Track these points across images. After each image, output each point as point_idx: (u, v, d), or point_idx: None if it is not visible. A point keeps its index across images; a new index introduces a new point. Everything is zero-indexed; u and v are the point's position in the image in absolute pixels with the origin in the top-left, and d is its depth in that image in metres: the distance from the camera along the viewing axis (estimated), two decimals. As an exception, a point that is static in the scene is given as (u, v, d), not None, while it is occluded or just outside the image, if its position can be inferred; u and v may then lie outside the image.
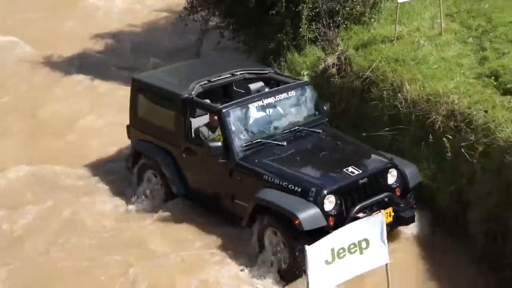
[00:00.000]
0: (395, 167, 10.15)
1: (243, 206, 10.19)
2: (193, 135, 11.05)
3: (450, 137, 10.58)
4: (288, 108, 11.11)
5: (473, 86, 11.35)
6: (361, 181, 9.73)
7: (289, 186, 9.64)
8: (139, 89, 12.00)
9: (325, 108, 11.39)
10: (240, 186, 10.37)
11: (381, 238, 7.21)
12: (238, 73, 11.73)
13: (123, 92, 15.37)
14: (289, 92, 11.07)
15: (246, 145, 10.37)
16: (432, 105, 11.28)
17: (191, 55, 17.04)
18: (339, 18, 14.07)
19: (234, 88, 12.28)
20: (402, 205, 10.02)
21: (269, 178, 9.86)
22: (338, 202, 9.47)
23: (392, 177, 10.04)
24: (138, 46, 18.73)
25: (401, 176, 10.14)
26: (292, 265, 9.37)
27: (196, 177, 11.23)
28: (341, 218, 9.34)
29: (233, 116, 10.41)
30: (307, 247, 6.89)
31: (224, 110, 10.35)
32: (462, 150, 10.17)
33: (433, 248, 10.54)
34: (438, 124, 10.97)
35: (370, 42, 13.53)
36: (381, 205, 9.71)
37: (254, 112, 10.70)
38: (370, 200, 9.68)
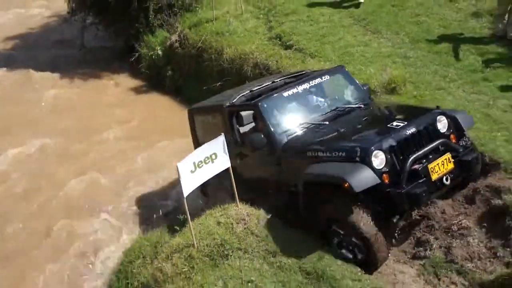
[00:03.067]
0: (443, 113, 7.54)
1: (296, 192, 7.52)
2: (242, 140, 8.58)
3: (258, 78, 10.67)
4: (325, 92, 8.73)
5: (267, 46, 12.12)
6: (408, 132, 7.11)
7: (333, 154, 7.09)
8: (194, 114, 9.73)
9: (364, 88, 8.83)
10: (289, 172, 7.79)
11: (224, 151, 7.36)
12: (278, 79, 9.28)
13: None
14: (323, 77, 8.65)
15: (286, 131, 7.93)
16: (243, 60, 11.92)
17: (77, 44, 17.08)
18: (176, 9, 14.64)
19: None
20: (461, 150, 7.39)
21: (313, 153, 7.33)
22: (389, 157, 6.86)
23: (442, 125, 7.43)
24: (38, 42, 17.92)
25: (453, 122, 7.57)
26: (367, 245, 6.77)
27: (251, 177, 8.56)
28: (395, 174, 6.85)
29: (269, 107, 8.09)
30: (178, 164, 6.87)
31: (259, 104, 8.09)
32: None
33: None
34: (249, 72, 11.70)
35: (198, 23, 13.93)
36: (437, 153, 7.18)
37: (290, 100, 8.33)
38: (424, 150, 7.05)
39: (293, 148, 7.73)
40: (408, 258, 7.33)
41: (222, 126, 8.71)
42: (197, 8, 14.88)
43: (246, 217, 7.42)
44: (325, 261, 6.74)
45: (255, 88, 9.10)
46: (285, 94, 8.33)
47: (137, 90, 14.52)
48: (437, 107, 7.74)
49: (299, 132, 7.95)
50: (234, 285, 6.55)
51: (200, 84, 12.93)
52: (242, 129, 8.81)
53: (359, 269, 6.74)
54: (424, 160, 7.00)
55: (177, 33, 14.27)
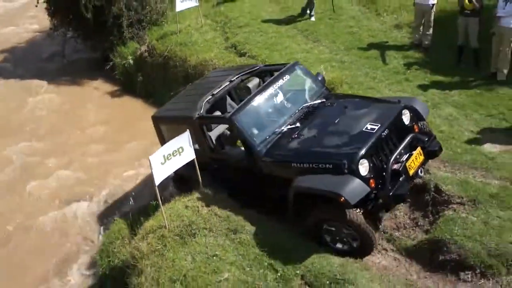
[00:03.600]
0: (406, 107, 7.09)
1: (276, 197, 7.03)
2: (215, 146, 7.84)
3: None
4: (288, 92, 7.86)
5: (224, 54, 11.99)
6: (383, 135, 6.63)
7: (320, 165, 6.47)
8: (159, 123, 8.59)
9: (319, 78, 8.17)
10: (274, 181, 7.05)
11: (189, 145, 7.25)
12: (234, 78, 8.43)
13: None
14: (284, 77, 7.83)
15: (264, 141, 7.14)
16: (204, 66, 11.75)
17: (60, 57, 16.81)
18: (144, 23, 14.47)
19: (238, 91, 9.08)
20: (426, 140, 7.00)
21: (298, 165, 6.67)
22: (371, 163, 6.39)
23: (406, 118, 7.00)
24: (27, 54, 17.39)
25: (414, 113, 7.15)
26: (362, 238, 6.47)
27: (231, 180, 7.77)
28: (379, 176, 6.43)
29: (243, 119, 7.25)
30: (151, 157, 6.84)
31: (233, 117, 7.23)
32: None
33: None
34: None
35: (164, 35, 13.75)
36: (409, 149, 6.81)
37: (260, 107, 7.53)
38: (399, 149, 6.64)
39: (275, 158, 7.02)
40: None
41: (193, 135, 7.57)
42: (163, 22, 14.72)
43: (210, 201, 7.44)
44: (278, 234, 6.82)
45: (216, 92, 8.18)
46: (255, 103, 7.51)
47: (112, 94, 14.29)
48: (399, 101, 7.25)
49: (276, 139, 7.17)
50: (201, 259, 6.60)
51: (168, 87, 12.79)
52: (211, 134, 8.10)
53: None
54: (402, 159, 6.65)
55: (146, 44, 14.11)
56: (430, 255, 6.68)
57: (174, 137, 7.46)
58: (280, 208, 6.95)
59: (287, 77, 7.86)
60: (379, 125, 6.71)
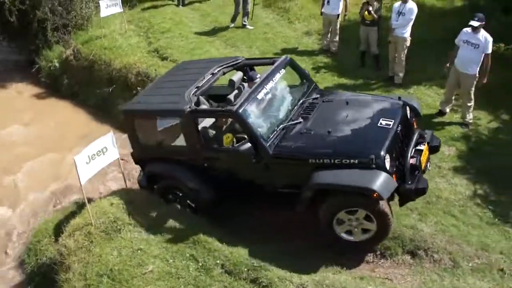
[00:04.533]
0: (407, 104, 6.92)
1: (291, 194, 6.39)
2: (209, 143, 7.00)
3: (140, 84, 10.92)
4: (284, 86, 7.26)
5: (147, 58, 11.89)
6: (398, 130, 6.40)
7: (343, 161, 6.04)
8: (134, 118, 7.44)
9: (307, 73, 7.78)
10: (282, 175, 6.52)
11: (113, 145, 7.21)
12: (217, 70, 7.55)
13: None
14: (280, 71, 7.19)
15: (271, 136, 6.49)
16: (128, 70, 11.61)
17: None
18: (70, 28, 14.01)
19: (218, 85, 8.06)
20: (425, 135, 6.93)
21: (316, 161, 6.18)
22: (391, 158, 6.11)
23: (409, 115, 6.88)
24: None
25: (412, 109, 7.00)
26: (381, 228, 6.21)
27: (226, 179, 6.98)
28: (400, 171, 6.24)
29: (250, 113, 6.53)
30: (75, 157, 6.77)
31: (240, 111, 6.44)
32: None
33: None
34: (132, 80, 11.45)
35: (89, 39, 13.40)
36: (419, 144, 6.65)
37: (264, 101, 6.85)
38: (412, 144, 6.51)
39: (286, 153, 6.41)
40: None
41: (181, 129, 6.98)
42: (88, 27, 14.31)
43: (134, 198, 7.41)
44: (197, 229, 6.87)
45: (200, 84, 7.25)
46: (260, 96, 6.78)
47: (37, 97, 13.68)
48: (399, 98, 7.03)
49: (282, 135, 6.58)
50: (127, 253, 6.59)
51: (93, 89, 12.56)
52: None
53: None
54: (416, 154, 6.46)
55: (71, 48, 13.62)
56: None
57: (151, 132, 7.48)
58: (276, 203, 6.79)
59: (282, 71, 7.28)
60: (393, 120, 6.48)
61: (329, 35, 11.41)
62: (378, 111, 6.73)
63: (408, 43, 9.83)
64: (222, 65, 7.73)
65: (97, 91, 12.18)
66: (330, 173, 6.08)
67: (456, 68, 8.60)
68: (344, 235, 6.44)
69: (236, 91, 7.46)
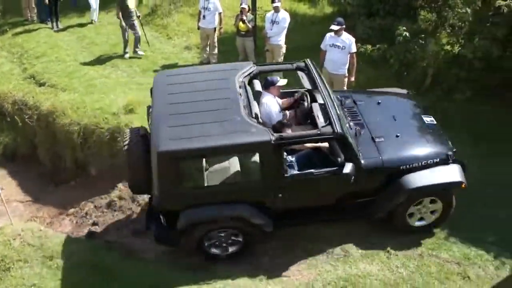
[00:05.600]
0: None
1: (369, 201, 6.59)
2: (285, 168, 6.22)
3: (18, 114, 10.50)
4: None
5: (23, 85, 11.27)
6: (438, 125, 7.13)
7: (428, 162, 6.46)
8: (179, 159, 5.97)
9: None
10: (367, 186, 6.49)
11: None
12: (240, 81, 6.76)
13: None
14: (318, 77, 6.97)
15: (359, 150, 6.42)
16: (3, 99, 10.98)
17: None
18: None
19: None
20: None
21: (407, 166, 6.45)
22: None
23: None
24: None
25: None
26: (444, 212, 6.77)
27: (298, 203, 6.52)
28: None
29: (346, 131, 6.29)
30: None
31: (341, 132, 6.10)
32: (25, 119, 10.25)
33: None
34: (10, 108, 10.79)
35: None
36: None
37: (343, 116, 6.69)
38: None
39: (378, 165, 6.45)
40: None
41: (261, 162, 6.06)
42: None
43: (22, 232, 7.05)
44: (98, 254, 6.77)
45: (246, 104, 6.40)
46: (338, 111, 6.44)
47: None
48: (408, 93, 7.92)
49: (361, 146, 6.48)
50: (20, 291, 6.25)
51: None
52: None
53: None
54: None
55: None
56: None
57: (198, 174, 6.09)
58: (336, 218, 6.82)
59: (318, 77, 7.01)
60: (432, 117, 7.18)
61: (207, 48, 11.57)
62: (412, 108, 7.40)
63: (284, 50, 10.28)
64: (241, 75, 6.92)
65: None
66: (417, 177, 6.46)
67: (327, 70, 9.10)
68: (417, 223, 6.87)
69: (264, 105, 6.84)
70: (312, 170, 6.29)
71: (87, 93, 10.33)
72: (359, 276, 6.43)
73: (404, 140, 6.74)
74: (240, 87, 6.66)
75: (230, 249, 6.66)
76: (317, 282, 6.43)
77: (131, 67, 11.69)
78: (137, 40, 12.09)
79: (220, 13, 11.25)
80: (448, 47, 10.17)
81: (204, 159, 6.17)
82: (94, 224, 8.40)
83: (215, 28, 11.33)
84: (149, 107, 7.09)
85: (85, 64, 12.00)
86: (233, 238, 6.58)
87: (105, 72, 11.58)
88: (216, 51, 11.51)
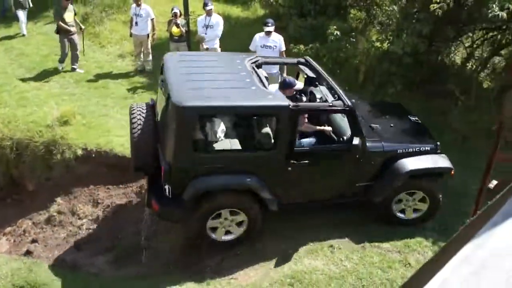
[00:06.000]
0: None
1: (366, 186, 6.77)
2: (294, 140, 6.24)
3: None
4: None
5: None
6: None
7: (421, 148, 6.81)
8: (200, 116, 6.05)
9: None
10: (367, 169, 6.69)
11: None
12: (250, 65, 6.92)
13: None
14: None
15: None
16: None
17: None
18: None
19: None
20: None
21: (403, 150, 6.69)
22: None
23: None
24: None
25: None
26: (433, 201, 6.98)
27: (305, 182, 6.55)
28: None
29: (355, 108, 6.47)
30: None
31: (351, 105, 6.30)
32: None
33: None
34: None
35: None
36: None
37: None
38: None
39: (381, 147, 6.71)
40: (103, 251, 7.46)
41: (276, 129, 6.11)
42: None
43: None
44: (37, 272, 6.53)
45: (259, 74, 6.68)
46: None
47: None
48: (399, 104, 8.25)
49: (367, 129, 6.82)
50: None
51: None
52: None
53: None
54: None
55: None
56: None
57: (213, 136, 6.12)
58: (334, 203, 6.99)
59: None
60: (415, 116, 7.72)
61: (141, 55, 11.40)
62: (400, 111, 7.93)
63: (219, 54, 10.24)
64: (250, 61, 7.05)
65: None
66: (411, 161, 6.75)
67: None
68: (399, 214, 7.11)
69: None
70: (322, 146, 6.60)
71: (19, 106, 9.94)
72: (304, 272, 6.48)
73: (398, 129, 7.26)
74: (252, 68, 6.85)
75: (229, 235, 6.68)
76: (264, 282, 6.43)
77: (64, 78, 11.32)
78: (75, 58, 11.47)
79: (152, 19, 11.11)
80: (378, 44, 10.48)
81: (221, 122, 6.29)
82: (33, 241, 8.10)
83: (148, 35, 11.17)
84: (160, 80, 7.01)
85: (15, 76, 11.52)
86: (233, 220, 6.55)
87: (37, 84, 11.14)
88: (150, 57, 11.37)
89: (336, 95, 6.57)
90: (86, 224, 8.17)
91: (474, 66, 10.38)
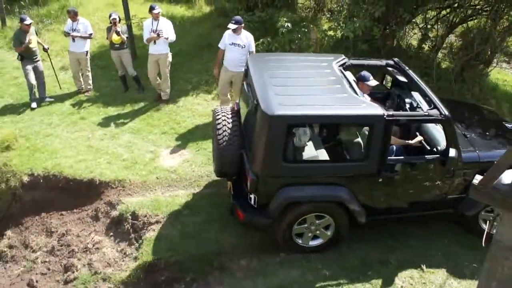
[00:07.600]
0: None
1: (458, 198, 6.33)
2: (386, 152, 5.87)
3: None
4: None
5: None
6: None
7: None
8: (290, 125, 5.63)
9: None
10: (459, 181, 6.24)
11: None
12: (339, 69, 6.59)
13: None
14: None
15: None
16: None
17: None
18: None
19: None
20: None
21: (488, 161, 5.90)
22: None
23: None
24: None
25: None
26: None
27: (396, 194, 6.22)
28: None
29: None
30: None
31: (448, 115, 5.87)
32: None
33: None
34: None
35: None
36: None
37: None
38: None
39: (474, 158, 6.26)
40: (61, 284, 6.85)
41: (369, 139, 5.76)
42: None
43: None
44: None
45: (348, 78, 6.35)
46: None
47: None
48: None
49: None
50: None
51: None
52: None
53: None
54: None
55: None
56: (143, 279, 6.46)
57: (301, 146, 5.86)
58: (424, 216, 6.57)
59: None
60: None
61: (79, 75, 10.32)
62: (494, 116, 7.61)
63: (170, 59, 9.58)
64: (338, 63, 6.72)
65: None
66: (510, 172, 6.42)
67: (227, 69, 8.70)
68: (484, 226, 6.52)
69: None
70: (414, 157, 6.23)
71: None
72: (280, 286, 6.01)
73: (492, 136, 6.86)
74: (340, 71, 6.52)
75: (316, 241, 6.35)
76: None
77: (3, 98, 10.39)
78: (42, 87, 10.15)
79: (90, 34, 10.05)
80: (331, 32, 10.08)
81: (309, 131, 6.09)
82: (-17, 282, 7.33)
83: (87, 52, 10.06)
84: (243, 85, 6.84)
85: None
86: (320, 224, 6.23)
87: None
88: (90, 77, 10.30)
89: (431, 103, 6.18)
90: (41, 257, 7.43)
91: (431, 47, 10.12)
